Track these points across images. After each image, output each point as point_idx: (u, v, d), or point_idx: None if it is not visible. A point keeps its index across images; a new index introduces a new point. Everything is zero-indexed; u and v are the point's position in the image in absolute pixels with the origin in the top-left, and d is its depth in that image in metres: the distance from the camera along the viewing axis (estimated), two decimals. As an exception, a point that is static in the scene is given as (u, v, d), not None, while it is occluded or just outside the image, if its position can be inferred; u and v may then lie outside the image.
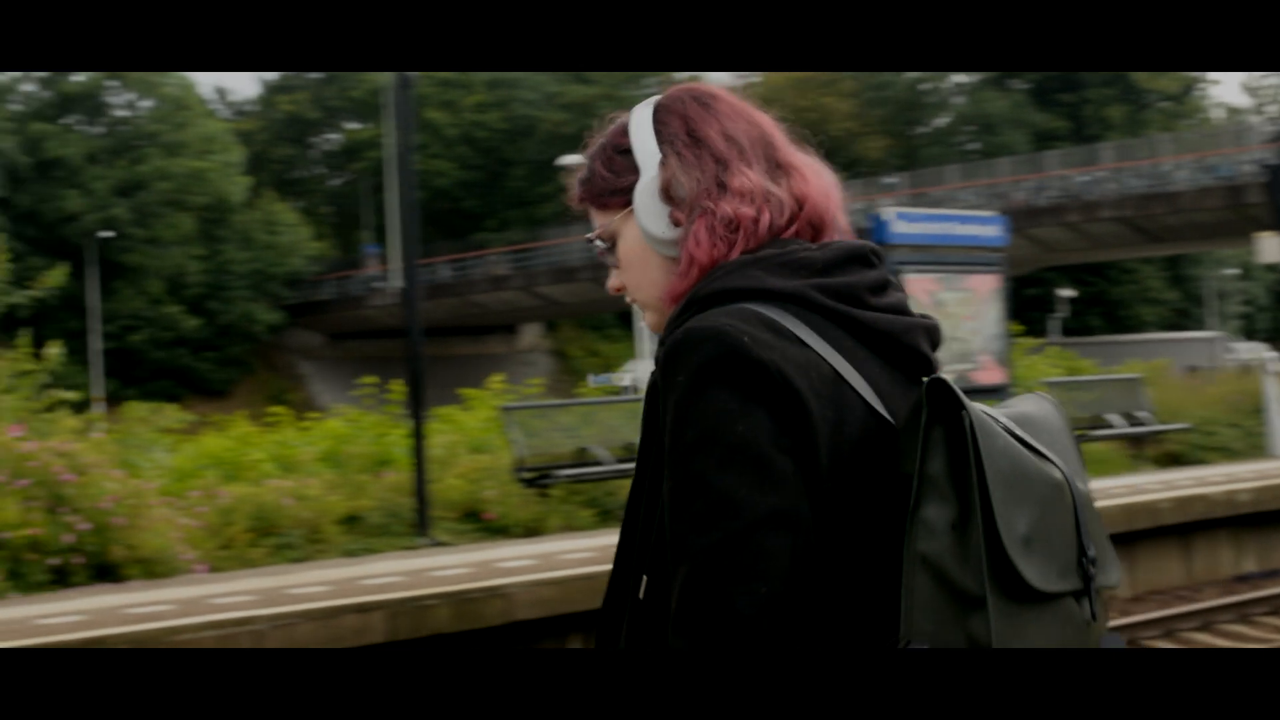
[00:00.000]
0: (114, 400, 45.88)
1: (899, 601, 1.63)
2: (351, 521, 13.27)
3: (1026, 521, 1.64)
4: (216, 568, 11.97)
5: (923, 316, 1.88)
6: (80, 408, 17.28)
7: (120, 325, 61.23)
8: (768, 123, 1.99)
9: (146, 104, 67.03)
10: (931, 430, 1.64)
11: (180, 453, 16.71)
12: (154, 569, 11.65)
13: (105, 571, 11.56)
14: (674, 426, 1.70)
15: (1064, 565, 1.69)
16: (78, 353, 51.95)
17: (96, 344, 57.54)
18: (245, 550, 12.50)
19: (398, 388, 15.79)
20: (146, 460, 14.76)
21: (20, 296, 16.25)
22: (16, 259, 17.03)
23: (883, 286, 1.85)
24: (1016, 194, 51.37)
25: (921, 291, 17.07)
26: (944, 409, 1.64)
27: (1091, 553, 1.73)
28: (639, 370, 42.76)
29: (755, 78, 76.81)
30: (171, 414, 16.89)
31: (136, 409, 17.12)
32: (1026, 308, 49.36)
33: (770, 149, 1.95)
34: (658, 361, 1.76)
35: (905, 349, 1.83)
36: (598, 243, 2.02)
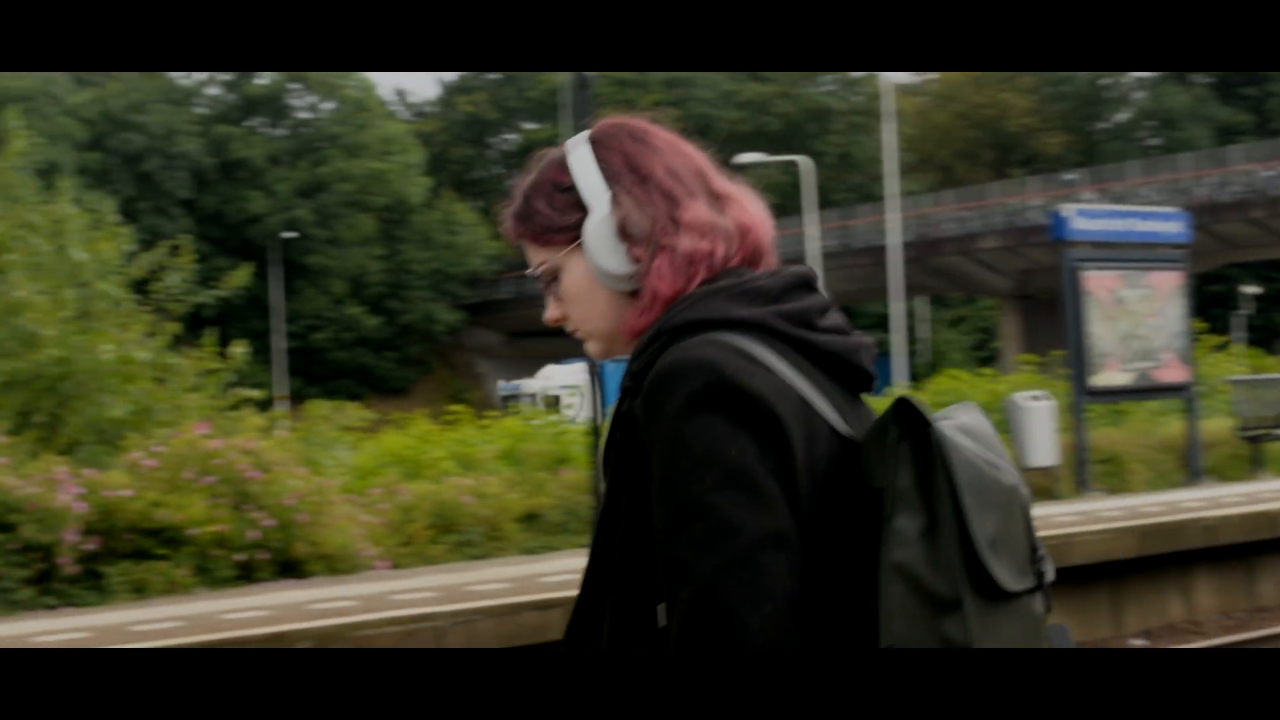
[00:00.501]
0: (297, 399, 46.88)
1: (874, 610, 1.70)
2: (530, 519, 13.35)
3: (992, 526, 1.74)
4: (398, 564, 12.11)
5: (861, 335, 1.95)
6: (264, 406, 17.65)
7: (303, 325, 62.52)
8: (699, 154, 2.05)
9: (328, 106, 68.34)
10: (900, 445, 1.73)
11: (362, 450, 16.95)
12: (336, 565, 11.83)
13: (289, 567, 11.76)
14: (666, 453, 1.75)
15: (1021, 564, 1.79)
16: (261, 352, 53.12)
17: (280, 343, 58.79)
18: (426, 547, 12.63)
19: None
20: (329, 458, 14.98)
21: (206, 296, 16.60)
22: (202, 259, 17.42)
23: (825, 309, 1.92)
24: (1199, 190, 50.12)
25: (1102, 289, 16.72)
26: (910, 425, 1.74)
27: (1041, 551, 1.83)
28: (555, 377, 41.92)
29: (933, 76, 76.21)
30: (353, 412, 17.12)
31: (319, 407, 17.39)
32: (1209, 305, 48.16)
33: (706, 180, 2.01)
34: (630, 390, 1.85)
35: (851, 367, 1.91)
36: (537, 277, 2.06)
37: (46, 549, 10.42)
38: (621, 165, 1.99)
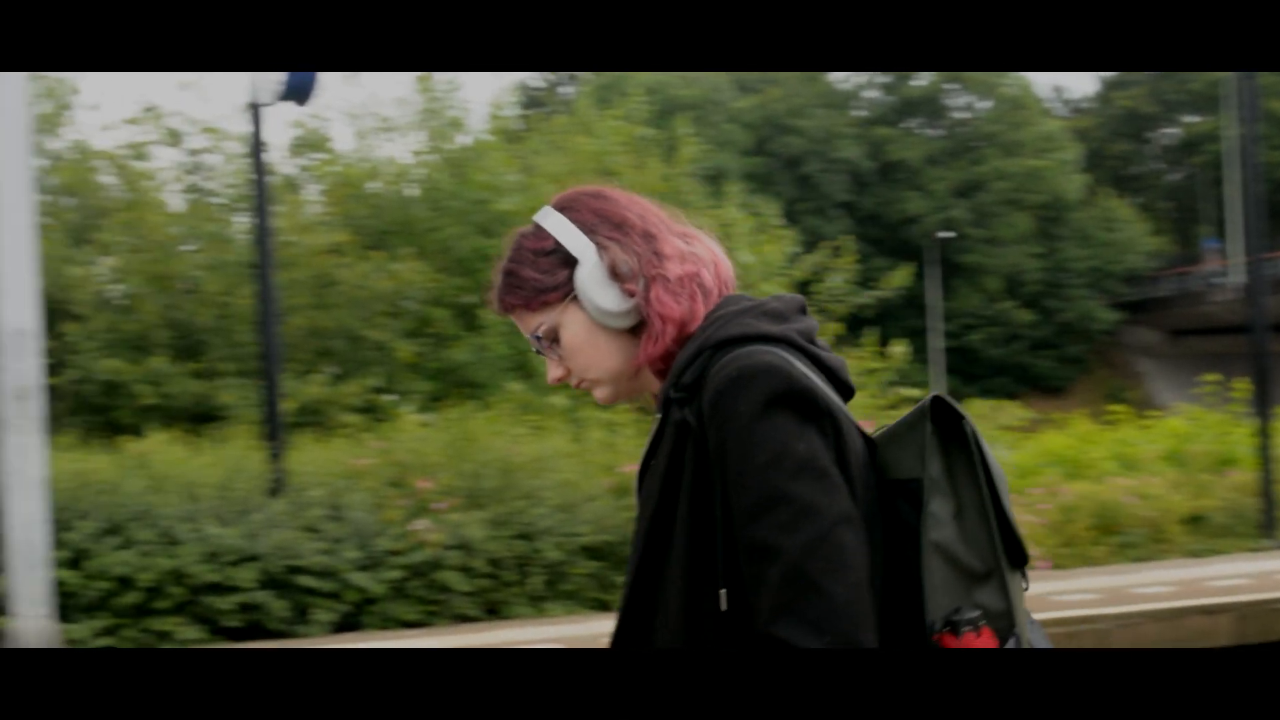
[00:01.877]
0: (954, 398, 46.94)
1: (917, 585, 1.98)
2: (1195, 521, 12.90)
3: (1008, 504, 2.05)
4: (1058, 565, 12.02)
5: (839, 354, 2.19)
6: (923, 404, 17.87)
7: (959, 324, 62.60)
8: (654, 204, 2.29)
9: (985, 105, 68.16)
10: (933, 438, 2.03)
11: (1021, 450, 16.88)
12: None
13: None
14: (743, 449, 1.95)
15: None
16: (919, 351, 53.68)
17: (937, 342, 59.14)
18: (1087, 548, 12.46)
19: (1241, 385, 15.18)
20: (987, 456, 15.02)
21: (866, 296, 17.02)
22: (862, 260, 17.84)
23: (816, 330, 2.17)
24: None
25: None
26: (943, 419, 2.05)
27: (1021, 531, 2.06)
28: None
29: None
30: (1012, 411, 17.09)
31: (977, 406, 17.46)
32: None
33: (668, 223, 2.26)
34: (681, 401, 2.05)
35: (842, 379, 2.16)
36: (537, 340, 2.24)
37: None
38: (595, 219, 2.22)
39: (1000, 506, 2.03)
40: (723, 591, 1.98)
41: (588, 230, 2.21)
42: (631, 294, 2.17)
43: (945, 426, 2.06)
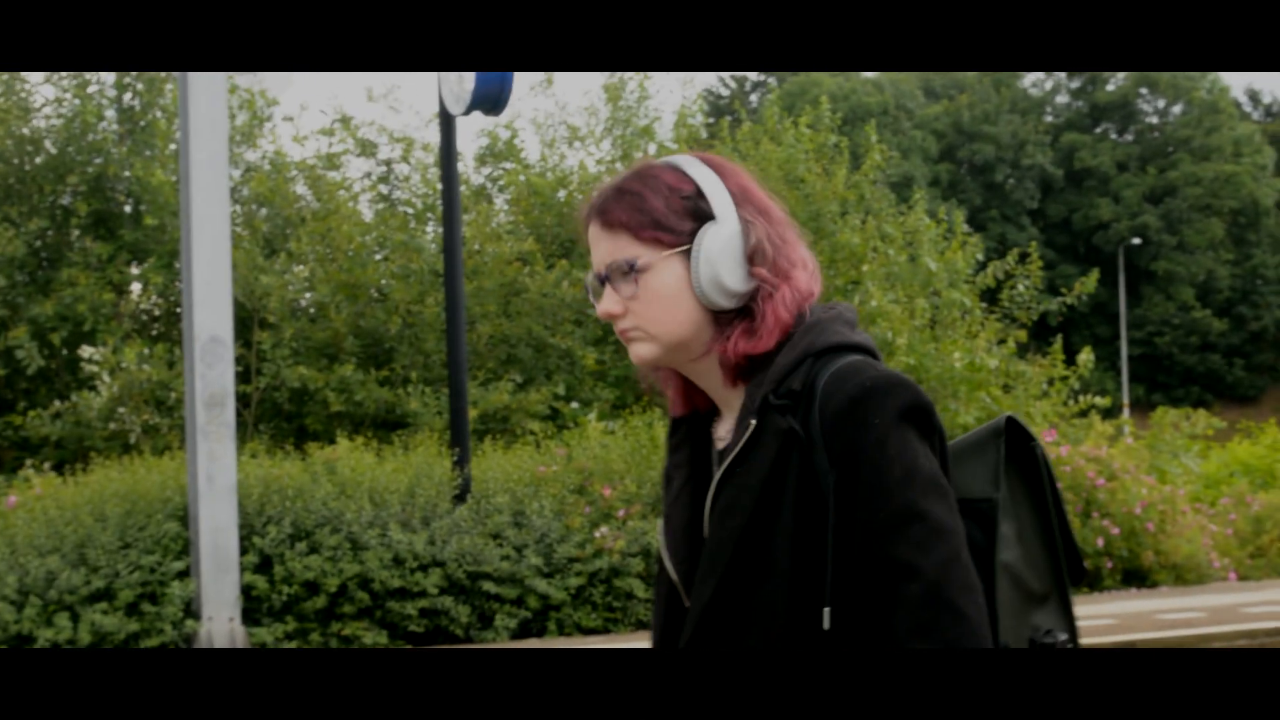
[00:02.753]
0: (1140, 406, 46.05)
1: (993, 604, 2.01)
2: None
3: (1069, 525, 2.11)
4: (1245, 576, 11.72)
5: None
6: (1109, 414, 17.54)
7: (1148, 331, 61.36)
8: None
9: (1177, 109, 66.71)
10: (1002, 458, 2.06)
11: (1210, 459, 16.52)
12: (1183, 575, 11.62)
13: (1135, 576, 11.67)
14: (876, 463, 1.92)
15: None
16: (1106, 359, 52.69)
17: (1124, 350, 58.02)
18: (1277, 559, 12.15)
19: None
20: (1177, 466, 14.71)
21: (1053, 303, 16.76)
22: (1049, 267, 17.61)
23: None
24: None
25: None
26: (1014, 440, 2.08)
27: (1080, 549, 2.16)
28: None
29: None
30: (1202, 420, 16.70)
31: (1166, 415, 17.10)
32: None
33: (797, 230, 2.17)
34: (787, 409, 1.99)
35: None
36: (618, 268, 2.09)
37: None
38: (742, 194, 2.11)
39: (1066, 528, 2.10)
40: (827, 610, 1.93)
41: (736, 201, 2.10)
42: (761, 280, 2.07)
43: (1014, 448, 2.09)
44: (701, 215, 2.08)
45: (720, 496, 2.03)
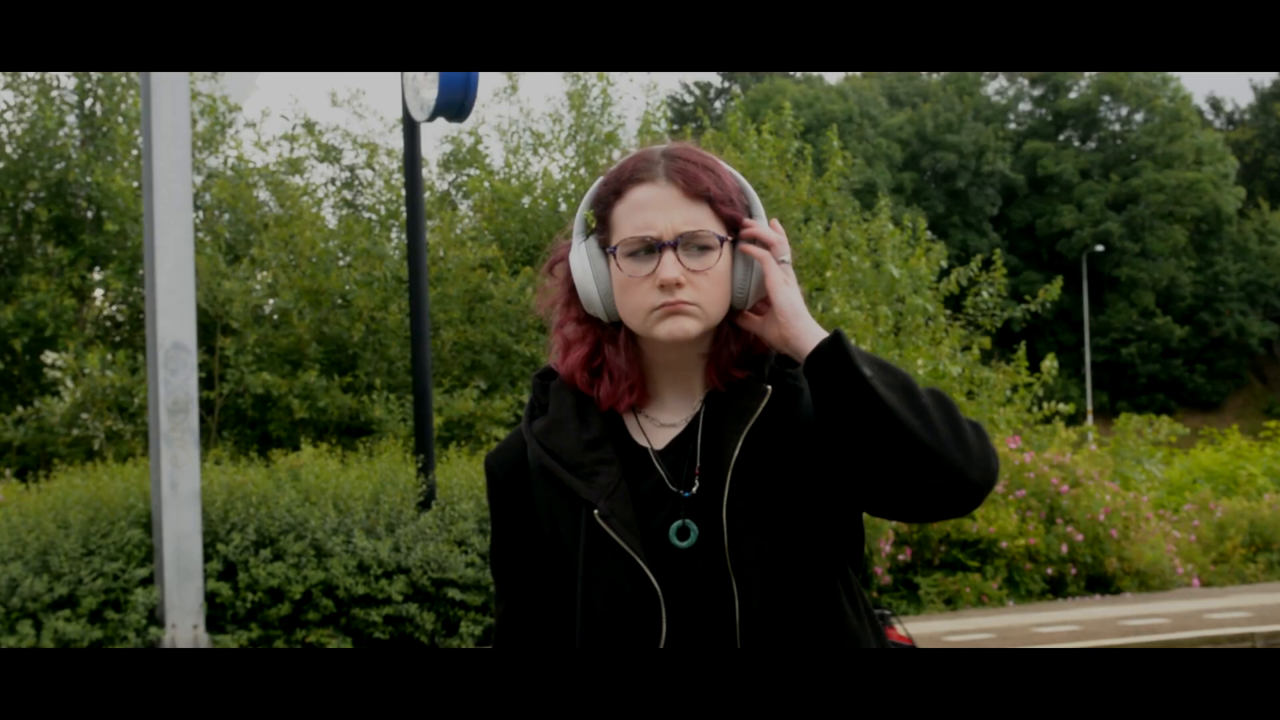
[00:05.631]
0: (1104, 413, 46.24)
1: None
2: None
3: None
4: (1209, 582, 11.78)
5: None
6: (1073, 420, 17.61)
7: (1111, 338, 61.65)
8: None
9: (1139, 117, 67.06)
10: None
11: (1174, 466, 16.59)
12: (1147, 581, 11.66)
13: (1099, 582, 11.71)
14: None
15: None
16: (1070, 366, 52.91)
17: (1088, 357, 58.28)
18: (1240, 565, 12.21)
19: None
20: (1140, 473, 14.77)
21: (1016, 310, 16.81)
22: (1012, 274, 17.66)
23: None
24: None
25: None
26: None
27: None
28: None
29: None
30: (1165, 427, 16.78)
31: (1129, 422, 17.18)
32: None
33: None
34: (780, 373, 2.18)
35: None
36: (697, 239, 2.13)
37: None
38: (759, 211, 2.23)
39: None
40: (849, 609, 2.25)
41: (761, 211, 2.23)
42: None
43: None
44: (736, 225, 2.17)
45: (743, 459, 2.12)
